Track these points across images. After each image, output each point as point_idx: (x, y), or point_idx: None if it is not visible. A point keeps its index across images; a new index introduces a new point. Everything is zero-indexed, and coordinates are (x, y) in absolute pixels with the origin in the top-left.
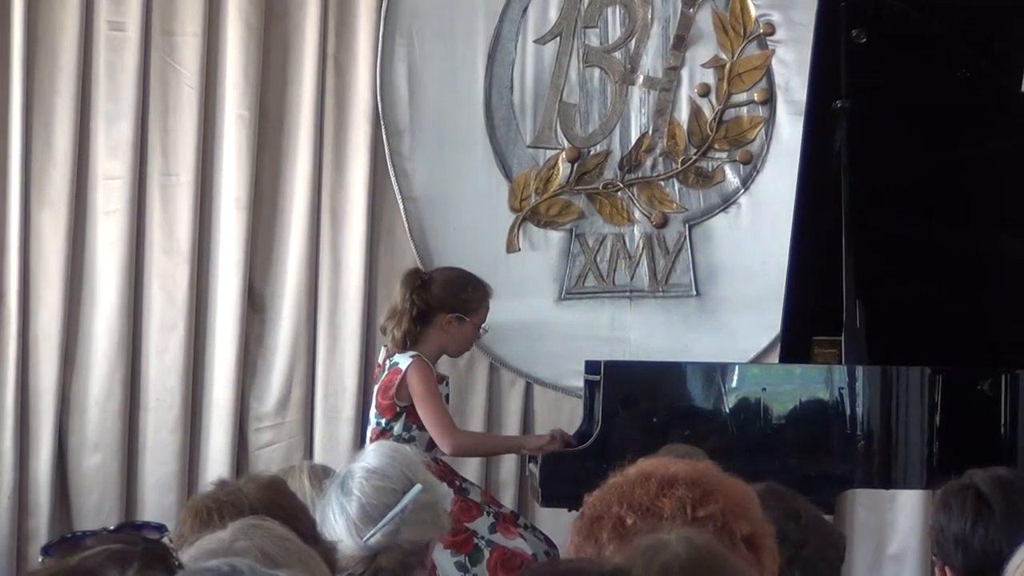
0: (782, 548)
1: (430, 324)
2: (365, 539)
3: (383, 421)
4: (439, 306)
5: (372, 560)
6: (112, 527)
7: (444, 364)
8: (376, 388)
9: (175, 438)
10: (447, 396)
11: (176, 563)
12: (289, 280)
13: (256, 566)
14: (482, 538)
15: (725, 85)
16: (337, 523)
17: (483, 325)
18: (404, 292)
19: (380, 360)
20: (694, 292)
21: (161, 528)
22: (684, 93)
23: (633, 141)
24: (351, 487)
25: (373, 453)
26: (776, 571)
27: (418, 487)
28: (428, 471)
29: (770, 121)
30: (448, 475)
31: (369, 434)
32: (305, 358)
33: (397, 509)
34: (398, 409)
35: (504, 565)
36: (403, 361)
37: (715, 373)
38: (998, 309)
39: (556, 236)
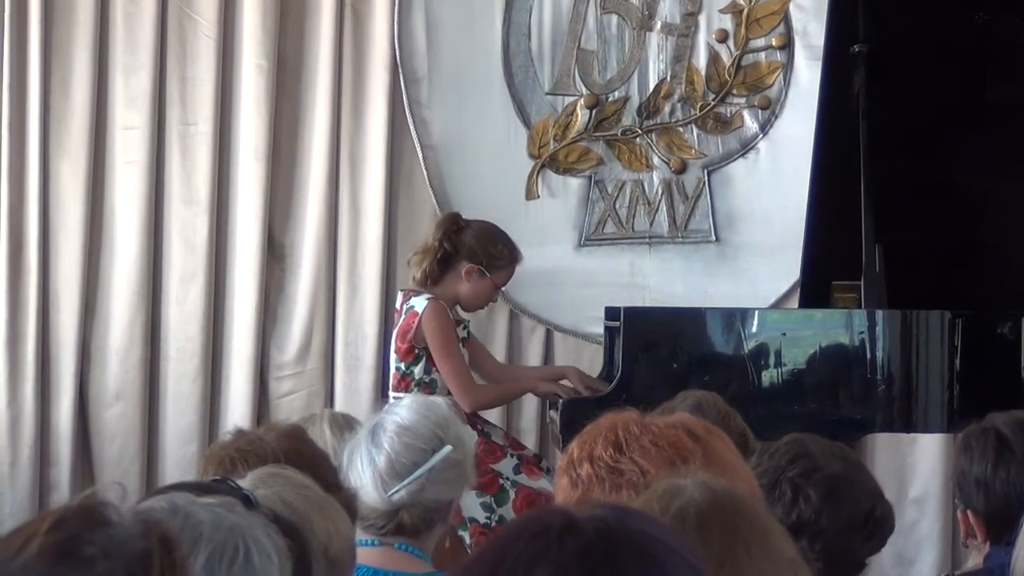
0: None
1: (451, 269)
2: (389, 494)
3: (403, 366)
4: (466, 254)
5: (394, 515)
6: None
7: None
8: (395, 333)
9: (196, 387)
10: (464, 339)
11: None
12: (308, 229)
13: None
14: (507, 479)
15: (743, 30)
16: (364, 472)
17: (502, 287)
18: (437, 232)
19: (397, 305)
20: (713, 238)
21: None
22: (702, 39)
23: (651, 87)
24: (381, 440)
25: (407, 408)
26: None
27: (447, 448)
28: (461, 425)
29: (788, 66)
30: (470, 417)
31: (391, 380)
32: (325, 307)
33: (424, 468)
34: (417, 352)
35: (530, 505)
36: (419, 304)
37: (735, 319)
38: (1018, 252)
39: (575, 183)
